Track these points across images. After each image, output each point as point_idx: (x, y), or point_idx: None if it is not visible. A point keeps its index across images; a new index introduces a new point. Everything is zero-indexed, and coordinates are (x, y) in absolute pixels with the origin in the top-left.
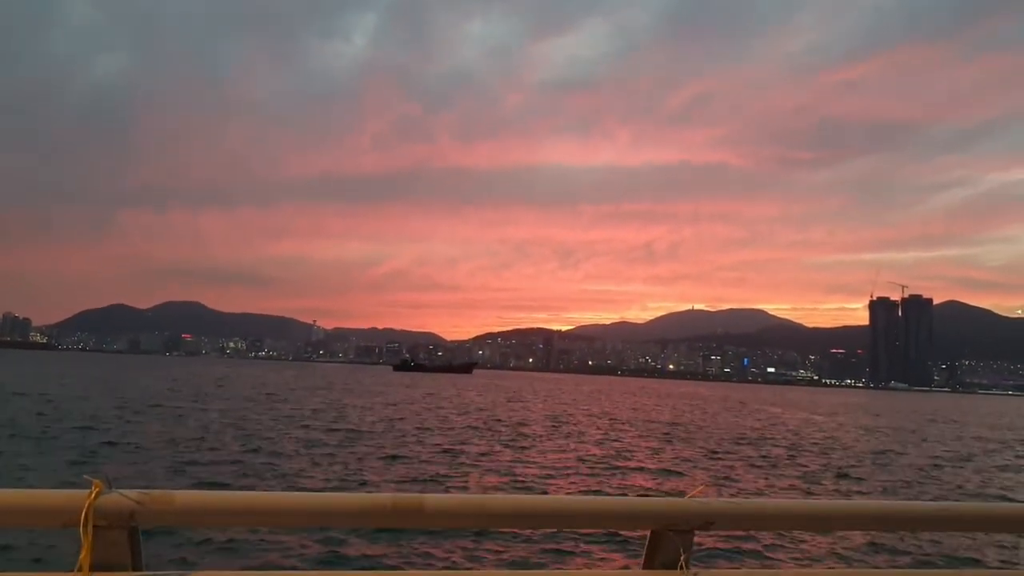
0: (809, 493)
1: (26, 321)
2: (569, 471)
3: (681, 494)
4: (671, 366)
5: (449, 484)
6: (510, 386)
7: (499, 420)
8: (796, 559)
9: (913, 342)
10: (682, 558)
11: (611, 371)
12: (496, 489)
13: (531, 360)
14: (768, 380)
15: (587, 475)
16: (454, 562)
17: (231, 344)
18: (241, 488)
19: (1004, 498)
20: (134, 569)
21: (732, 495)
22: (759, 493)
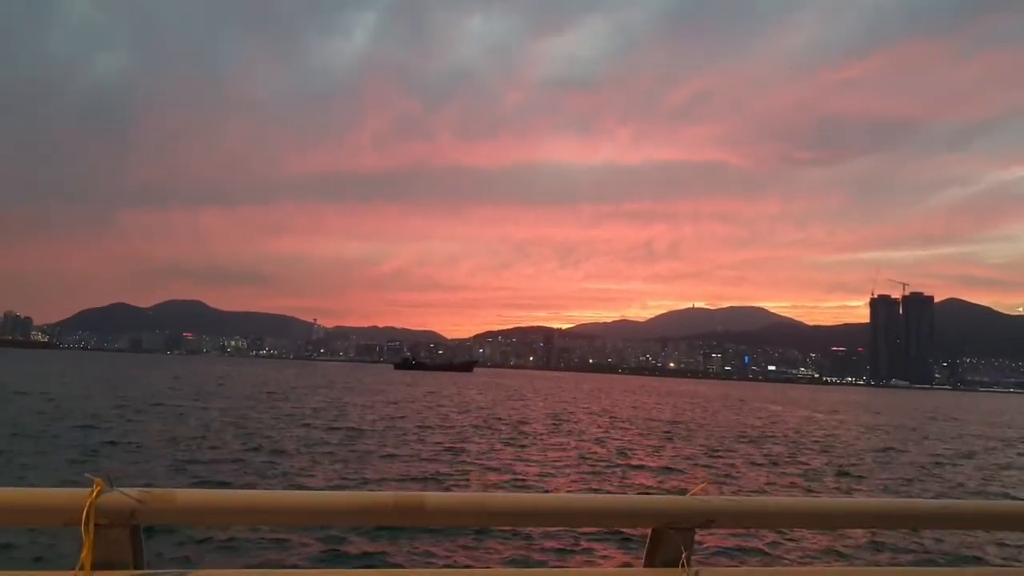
0: (810, 491)
1: (27, 320)
2: (570, 469)
3: (682, 492)
4: (672, 364)
5: (450, 483)
6: (511, 384)
7: (500, 418)
8: (797, 557)
9: (914, 340)
10: (683, 556)
11: (612, 369)
12: (497, 487)
13: (532, 358)
14: (769, 378)
15: (588, 473)
16: (455, 560)
17: (232, 343)
18: (242, 487)
19: (1006, 496)
20: (136, 567)
21: (733, 493)
22: (760, 491)
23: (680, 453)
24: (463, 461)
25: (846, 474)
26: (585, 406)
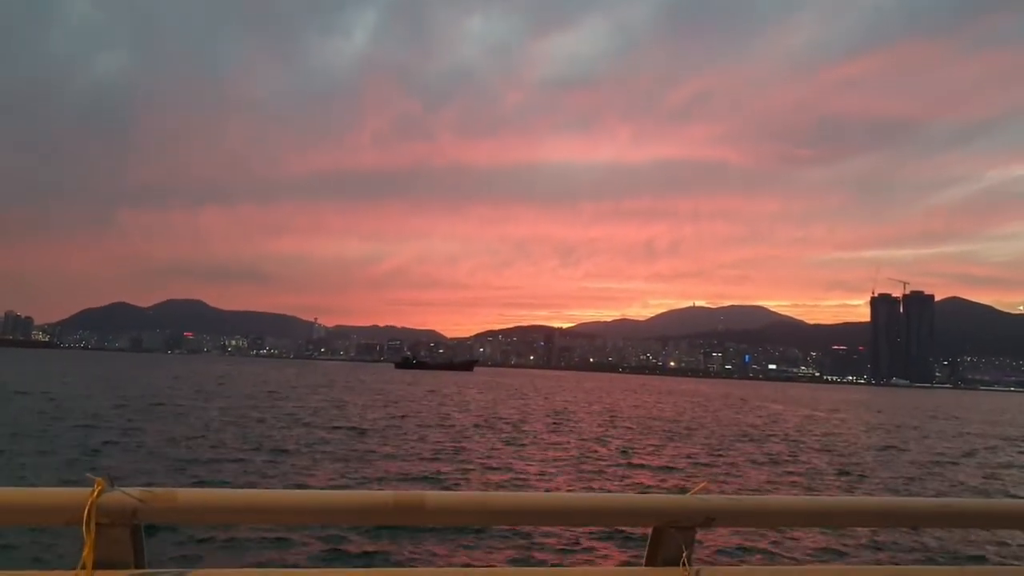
0: (811, 490)
1: (28, 320)
2: (571, 468)
3: (683, 491)
4: (672, 363)
5: (450, 481)
6: (511, 383)
7: (501, 417)
8: (798, 556)
9: (914, 339)
10: (684, 555)
11: (612, 368)
12: (497, 486)
13: (532, 357)
14: (769, 377)
15: (589, 472)
16: (456, 560)
17: (232, 342)
18: (243, 486)
19: (1006, 494)
20: (137, 567)
21: (734, 492)
22: (761, 490)
23: (681, 452)
24: (464, 460)
25: (847, 473)
26: (586, 405)
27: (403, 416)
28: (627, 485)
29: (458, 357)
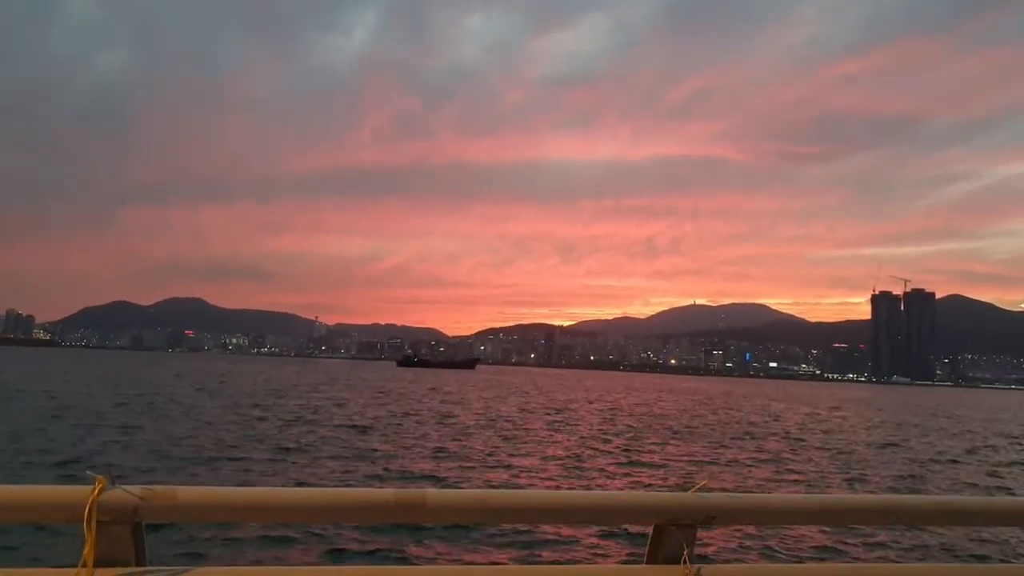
0: (812, 488)
1: (29, 318)
2: (571, 466)
3: (684, 489)
4: (673, 361)
5: (451, 479)
6: (513, 382)
7: (502, 415)
8: (799, 554)
9: (915, 336)
10: (685, 553)
11: (613, 366)
12: (498, 484)
13: (533, 356)
14: (770, 375)
15: (589, 470)
16: (457, 557)
17: (233, 340)
18: (244, 484)
19: (1008, 492)
20: (138, 564)
21: (735, 490)
22: (762, 488)
23: (682, 450)
24: (465, 458)
25: (848, 471)
26: (587, 403)
27: (404, 414)
28: (628, 483)
29: (459, 355)
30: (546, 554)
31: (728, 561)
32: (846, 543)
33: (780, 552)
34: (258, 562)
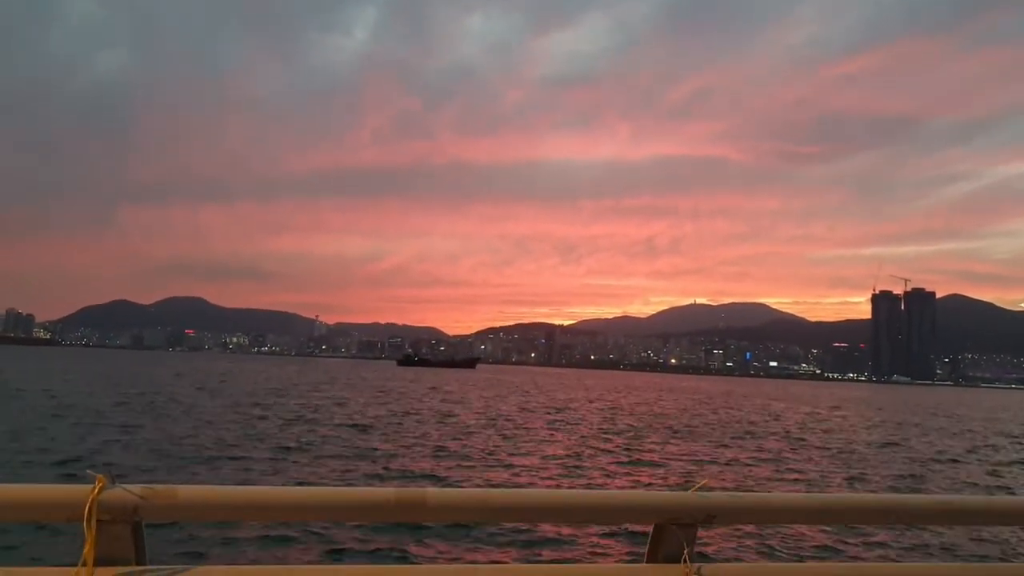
0: (812, 487)
1: (29, 317)
2: (571, 465)
3: (684, 488)
4: (673, 360)
5: (452, 478)
6: (513, 381)
7: (502, 414)
8: (799, 553)
9: (916, 336)
10: (685, 552)
11: (613, 366)
12: (499, 483)
13: (533, 355)
14: (770, 374)
15: (590, 469)
16: (457, 556)
17: (234, 339)
18: (244, 482)
19: (1008, 492)
20: (138, 563)
21: (735, 489)
22: (762, 487)
23: (682, 449)
24: (465, 457)
25: (848, 470)
26: (587, 402)
27: (405, 413)
28: (628, 482)
29: (459, 354)
30: (547, 553)
31: (728, 560)
32: (846, 542)
33: (780, 551)
34: (258, 561)
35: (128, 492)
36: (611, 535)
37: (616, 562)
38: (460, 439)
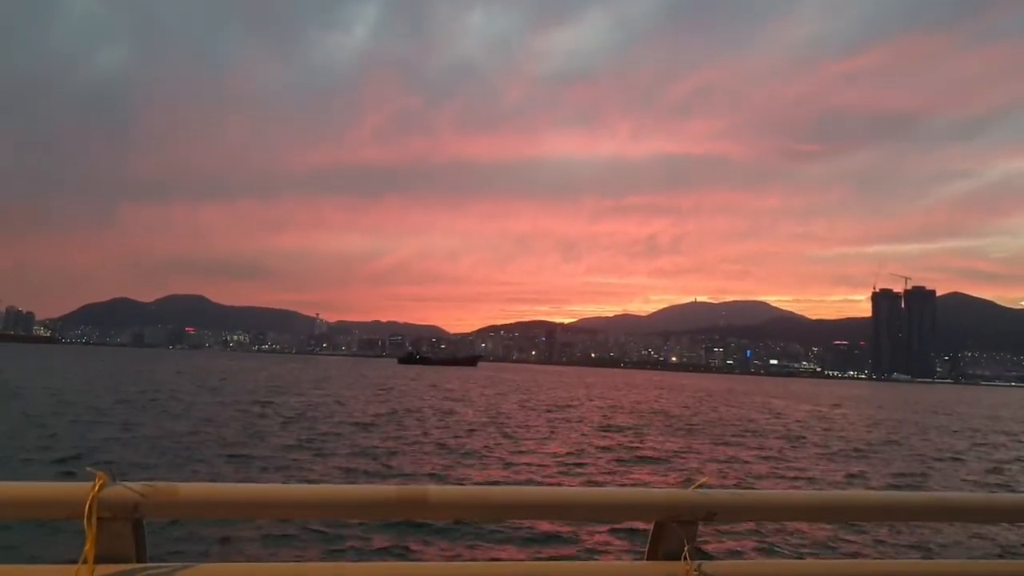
0: (812, 484)
1: (29, 315)
2: (572, 462)
3: (685, 485)
4: (674, 358)
5: (453, 476)
6: (514, 379)
7: (503, 412)
8: (800, 550)
9: (916, 334)
10: (686, 549)
11: (614, 364)
12: (500, 481)
13: (534, 353)
14: (771, 372)
15: (591, 466)
16: (458, 553)
17: (234, 337)
18: (245, 480)
19: (1008, 489)
20: (138, 561)
21: (735, 487)
22: (762, 485)
23: (683, 447)
24: (466, 454)
25: (848, 467)
26: (588, 400)
27: (406, 411)
28: (629, 479)
29: (460, 352)
30: (547, 550)
31: (729, 557)
32: (847, 539)
33: (781, 548)
34: (259, 558)
35: (128, 489)
36: (612, 532)
37: (617, 559)
38: (461, 437)
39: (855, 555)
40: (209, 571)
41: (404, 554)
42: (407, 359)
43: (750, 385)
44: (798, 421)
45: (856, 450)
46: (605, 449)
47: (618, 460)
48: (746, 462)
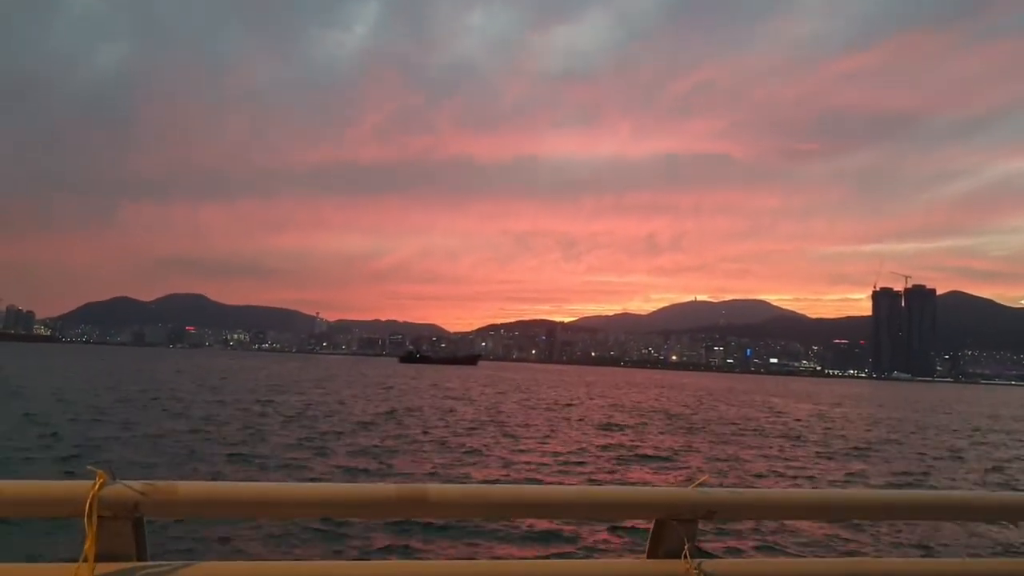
0: (812, 483)
1: (30, 314)
2: (572, 461)
3: (685, 484)
4: (674, 357)
5: (453, 474)
6: (514, 377)
7: (503, 411)
8: (800, 548)
9: (916, 332)
10: (686, 547)
11: (614, 363)
12: (500, 479)
13: (534, 352)
14: (771, 371)
15: (591, 465)
16: (458, 552)
17: (235, 336)
18: (245, 479)
19: (1008, 487)
20: (139, 559)
21: (735, 485)
22: (762, 483)
23: (683, 445)
24: (467, 453)
25: (848, 466)
26: (588, 399)
27: (406, 410)
28: (629, 478)
29: (461, 351)
30: (548, 549)
31: (729, 556)
32: (846, 538)
33: (781, 547)
34: (259, 557)
35: (129, 488)
36: (612, 531)
37: (617, 558)
38: (461, 435)
39: (855, 554)
40: (209, 570)
41: (404, 553)
42: (407, 358)
43: (750, 384)
44: (798, 420)
45: (856, 448)
46: (605, 448)
47: (618, 459)
48: (746, 461)
